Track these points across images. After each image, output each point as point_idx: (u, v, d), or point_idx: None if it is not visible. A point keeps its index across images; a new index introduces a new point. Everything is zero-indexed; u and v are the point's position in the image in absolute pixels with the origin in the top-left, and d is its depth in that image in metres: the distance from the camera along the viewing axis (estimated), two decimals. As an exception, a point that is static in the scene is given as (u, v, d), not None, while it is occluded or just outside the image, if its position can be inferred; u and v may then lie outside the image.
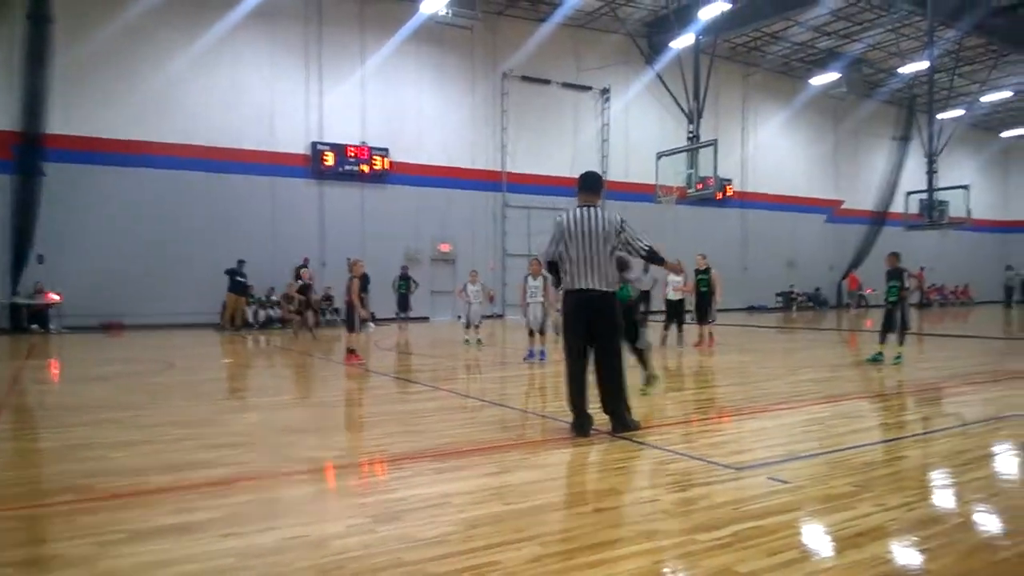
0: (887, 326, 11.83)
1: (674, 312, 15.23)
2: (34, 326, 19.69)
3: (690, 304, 15.23)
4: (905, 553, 3.51)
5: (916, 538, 3.68)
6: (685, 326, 15.37)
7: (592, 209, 6.30)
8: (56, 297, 19.92)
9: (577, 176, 6.61)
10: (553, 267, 6.50)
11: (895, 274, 11.82)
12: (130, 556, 3.48)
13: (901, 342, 11.78)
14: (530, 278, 12.62)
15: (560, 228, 6.33)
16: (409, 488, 4.67)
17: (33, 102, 19.08)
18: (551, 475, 5.00)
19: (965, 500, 4.42)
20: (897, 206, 33.85)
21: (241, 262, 21.58)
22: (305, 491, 4.67)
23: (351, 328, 12.45)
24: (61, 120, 20.06)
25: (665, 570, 3.30)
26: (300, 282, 19.67)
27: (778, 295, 35.39)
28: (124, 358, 13.96)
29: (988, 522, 4.00)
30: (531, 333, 12.47)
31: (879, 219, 36.82)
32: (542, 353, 12.36)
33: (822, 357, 13.50)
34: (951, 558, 3.40)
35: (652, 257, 6.47)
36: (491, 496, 4.48)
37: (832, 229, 37.47)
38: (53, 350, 15.79)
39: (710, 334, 14.82)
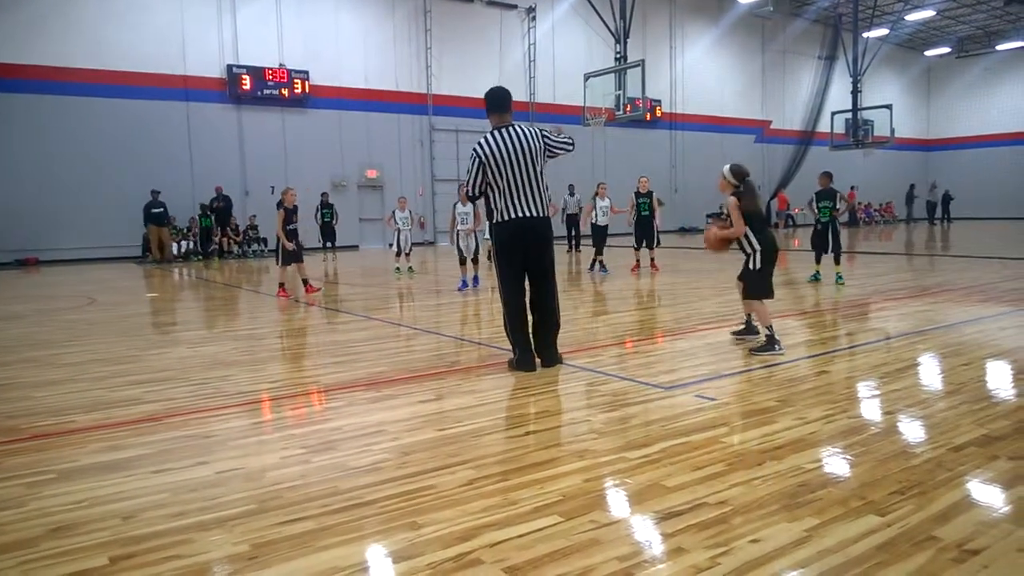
0: (820, 246, 11.86)
1: (599, 237, 14.83)
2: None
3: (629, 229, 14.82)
4: (823, 462, 3.67)
5: (834, 448, 3.86)
6: (607, 250, 15.17)
7: (512, 129, 5.76)
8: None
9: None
10: (479, 198, 6.15)
11: (827, 194, 11.72)
12: (60, 495, 3.42)
13: (837, 261, 11.82)
14: (459, 205, 12.37)
15: (480, 157, 5.79)
16: (343, 418, 4.68)
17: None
18: (485, 400, 5.05)
19: (883, 411, 4.62)
20: (824, 126, 34.44)
21: (156, 192, 20.82)
22: (237, 425, 4.62)
23: (278, 261, 12.10)
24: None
25: (596, 488, 3.38)
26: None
27: (708, 216, 35.82)
28: (42, 295, 13.44)
29: (904, 431, 4.20)
30: (463, 261, 12.36)
31: (806, 139, 37.41)
32: (475, 279, 12.36)
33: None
34: (867, 465, 3.58)
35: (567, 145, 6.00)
36: (425, 423, 4.51)
37: (762, 149, 37.87)
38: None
39: (652, 260, 14.67)
